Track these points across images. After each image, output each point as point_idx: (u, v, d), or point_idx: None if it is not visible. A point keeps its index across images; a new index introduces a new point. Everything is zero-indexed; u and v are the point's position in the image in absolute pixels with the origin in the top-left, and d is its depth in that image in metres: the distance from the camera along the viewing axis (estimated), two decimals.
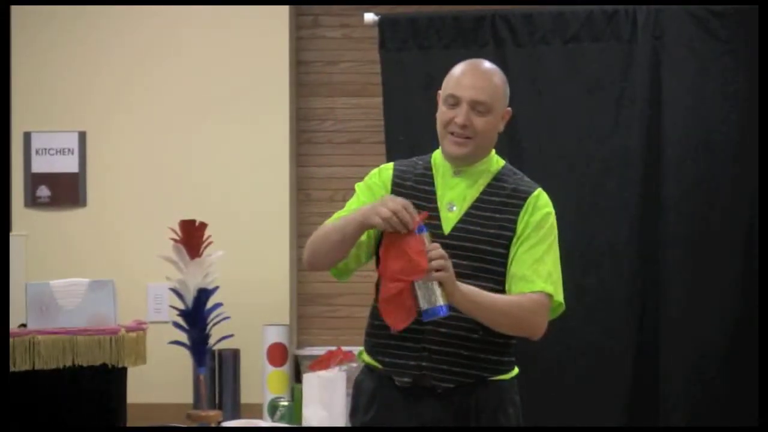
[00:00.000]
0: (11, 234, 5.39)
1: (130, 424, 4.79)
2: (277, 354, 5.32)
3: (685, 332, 4.96)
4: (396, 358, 3.47)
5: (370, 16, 5.23)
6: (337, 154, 5.76)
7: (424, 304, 3.25)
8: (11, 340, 4.46)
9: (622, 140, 5.05)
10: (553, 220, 3.51)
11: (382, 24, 5.21)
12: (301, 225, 5.68)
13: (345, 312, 5.73)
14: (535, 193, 3.51)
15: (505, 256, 3.45)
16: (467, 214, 3.48)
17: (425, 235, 3.28)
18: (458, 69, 3.52)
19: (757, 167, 4.85)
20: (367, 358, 3.57)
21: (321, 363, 5.25)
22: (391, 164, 3.64)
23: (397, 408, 3.48)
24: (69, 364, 4.54)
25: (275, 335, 5.32)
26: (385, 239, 3.33)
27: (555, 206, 3.56)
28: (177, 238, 5.21)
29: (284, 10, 5.60)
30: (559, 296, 3.49)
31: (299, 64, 5.76)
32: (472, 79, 3.47)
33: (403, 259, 3.25)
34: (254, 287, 5.47)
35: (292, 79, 5.67)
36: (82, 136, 5.57)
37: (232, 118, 5.55)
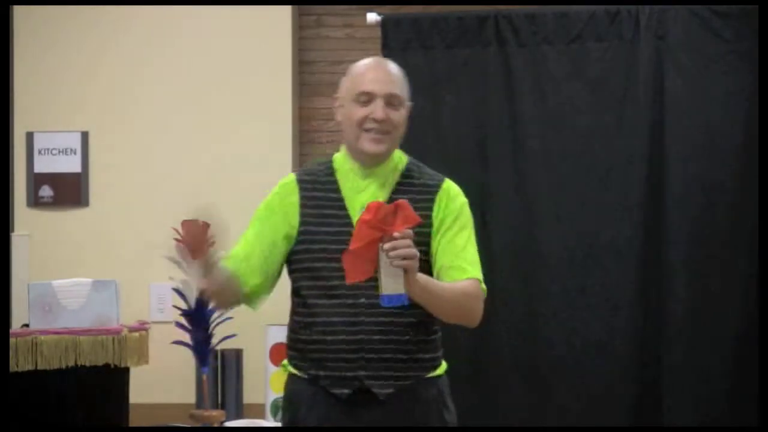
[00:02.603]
0: (14, 234, 5.39)
1: (132, 424, 4.80)
2: (280, 354, 5.31)
3: (689, 331, 4.95)
4: (333, 371, 3.37)
5: (372, 16, 5.22)
6: None
7: (387, 289, 3.16)
8: (14, 340, 4.46)
9: (626, 140, 5.04)
10: (467, 208, 3.46)
11: (385, 24, 5.20)
12: None
13: None
14: (444, 185, 3.45)
15: (428, 252, 3.38)
16: None
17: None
18: (361, 67, 3.44)
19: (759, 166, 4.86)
20: (295, 371, 3.45)
21: None
22: (291, 177, 3.53)
23: (339, 413, 3.38)
24: (72, 364, 4.55)
25: (278, 335, 5.31)
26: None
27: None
28: (180, 238, 5.21)
29: (287, 10, 5.60)
30: (483, 283, 3.44)
31: (302, 64, 5.76)
32: (382, 74, 3.41)
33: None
34: None
35: (295, 79, 5.67)
36: (85, 136, 5.57)
37: (234, 118, 5.55)
